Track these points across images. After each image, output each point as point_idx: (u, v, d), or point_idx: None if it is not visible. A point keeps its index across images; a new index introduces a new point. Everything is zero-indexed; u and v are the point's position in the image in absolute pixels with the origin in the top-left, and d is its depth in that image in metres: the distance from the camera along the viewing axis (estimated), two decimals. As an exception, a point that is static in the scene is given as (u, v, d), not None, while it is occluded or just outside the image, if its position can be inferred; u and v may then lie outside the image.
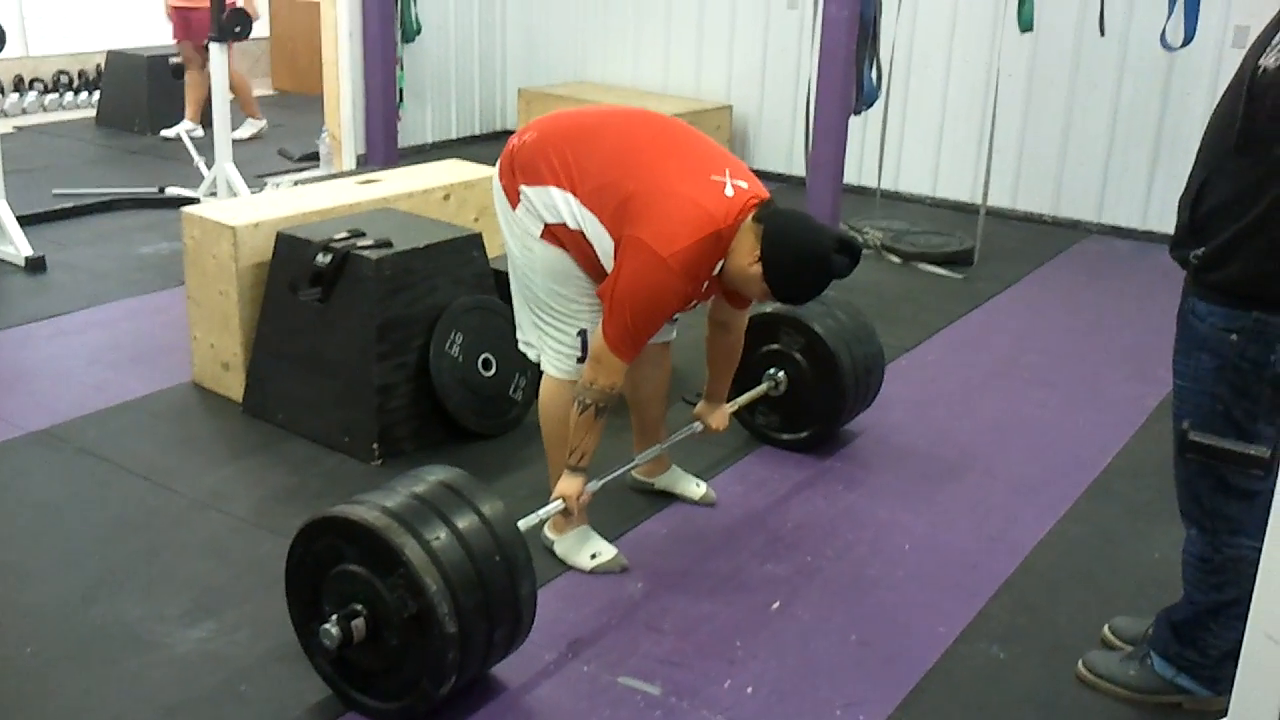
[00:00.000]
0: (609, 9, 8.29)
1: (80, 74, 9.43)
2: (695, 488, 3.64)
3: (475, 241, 4.06)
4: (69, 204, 6.48)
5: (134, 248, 5.91)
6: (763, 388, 3.84)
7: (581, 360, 3.10)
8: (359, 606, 2.53)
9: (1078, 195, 6.85)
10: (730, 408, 3.60)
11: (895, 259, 6.09)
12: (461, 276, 3.95)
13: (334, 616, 2.53)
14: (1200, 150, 2.51)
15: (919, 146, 7.27)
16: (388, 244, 3.81)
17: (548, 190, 3.02)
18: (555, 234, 3.04)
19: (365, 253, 3.75)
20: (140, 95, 8.50)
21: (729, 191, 2.93)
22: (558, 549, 3.28)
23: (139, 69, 8.55)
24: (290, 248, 3.93)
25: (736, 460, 3.91)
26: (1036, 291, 5.82)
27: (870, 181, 6.96)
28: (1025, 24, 5.81)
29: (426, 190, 4.67)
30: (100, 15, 9.23)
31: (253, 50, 10.56)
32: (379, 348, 3.74)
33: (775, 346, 3.86)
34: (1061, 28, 6.59)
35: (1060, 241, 6.60)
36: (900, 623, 3.08)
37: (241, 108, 8.15)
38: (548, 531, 3.30)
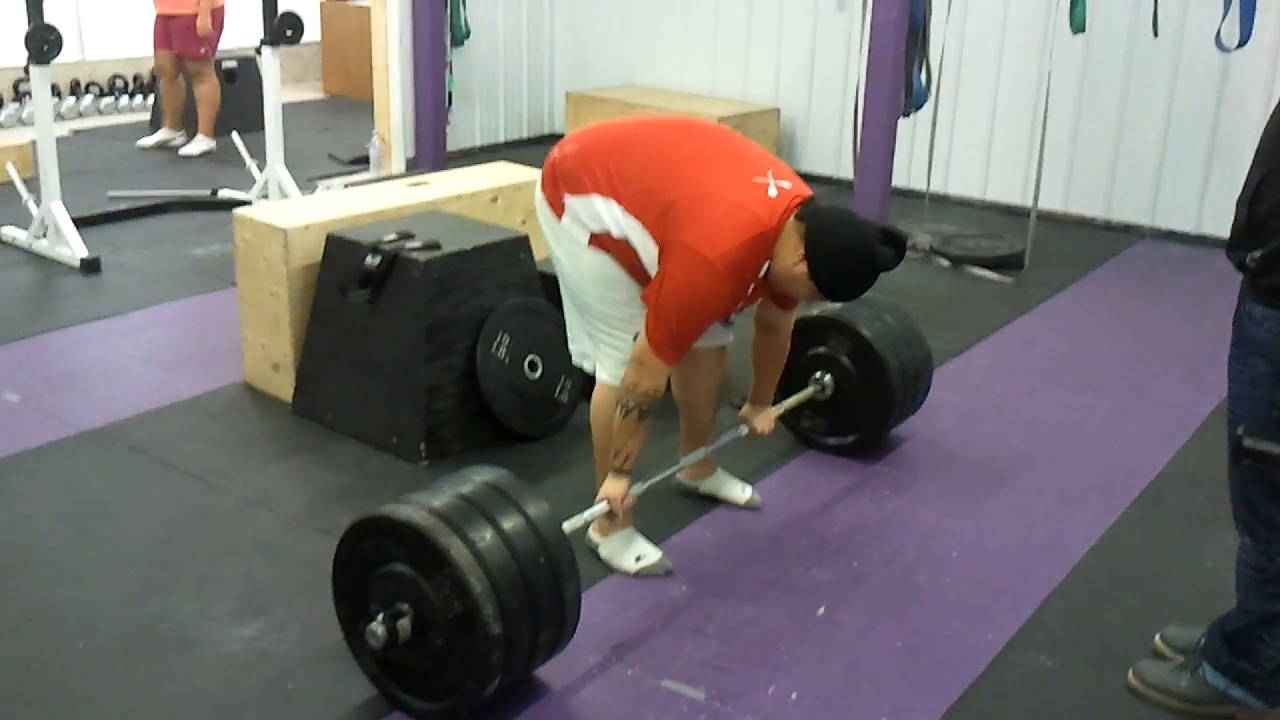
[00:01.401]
0: (656, 12, 8.29)
1: (135, 78, 9.56)
2: (741, 491, 3.63)
3: (522, 244, 4.08)
4: (123, 206, 6.57)
5: (187, 249, 5.99)
6: (809, 391, 3.82)
7: None
8: (404, 606, 2.54)
9: (1130, 198, 6.77)
10: (776, 411, 3.59)
11: (944, 262, 6.05)
12: (509, 279, 3.97)
13: (380, 616, 2.54)
14: (1258, 150, 2.47)
15: (969, 149, 7.21)
16: (436, 246, 3.83)
17: (590, 199, 3.02)
18: (601, 242, 3.05)
19: (414, 255, 3.77)
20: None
21: (772, 192, 2.93)
22: (602, 551, 3.28)
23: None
24: (340, 249, 3.96)
25: (782, 464, 3.90)
26: (1088, 296, 5.75)
27: (919, 184, 6.91)
28: (1078, 25, 5.75)
29: (474, 193, 4.69)
30: (151, 20, 9.34)
31: (304, 54, 10.68)
32: (427, 349, 3.76)
33: (822, 350, 3.84)
34: (1114, 28, 6.51)
35: (1113, 245, 6.52)
36: (947, 630, 3.06)
37: (200, 121, 8.08)
38: (593, 534, 3.30)
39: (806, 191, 2.99)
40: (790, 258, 2.89)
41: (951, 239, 6.25)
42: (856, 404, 3.84)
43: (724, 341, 3.41)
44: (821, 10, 7.58)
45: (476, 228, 4.16)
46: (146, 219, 6.49)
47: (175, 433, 4.02)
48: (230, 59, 8.80)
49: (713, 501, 3.63)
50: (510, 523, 2.58)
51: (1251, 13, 5.30)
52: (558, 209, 3.11)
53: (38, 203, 5.77)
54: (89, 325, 4.96)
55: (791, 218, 2.90)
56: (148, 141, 8.17)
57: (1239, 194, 2.49)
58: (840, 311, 3.83)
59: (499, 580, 2.47)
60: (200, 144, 8.08)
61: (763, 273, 2.96)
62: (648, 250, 2.97)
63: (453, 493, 2.62)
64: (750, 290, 3.00)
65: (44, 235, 5.77)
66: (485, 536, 2.51)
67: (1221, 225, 6.29)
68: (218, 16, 7.77)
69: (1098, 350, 5.04)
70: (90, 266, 5.57)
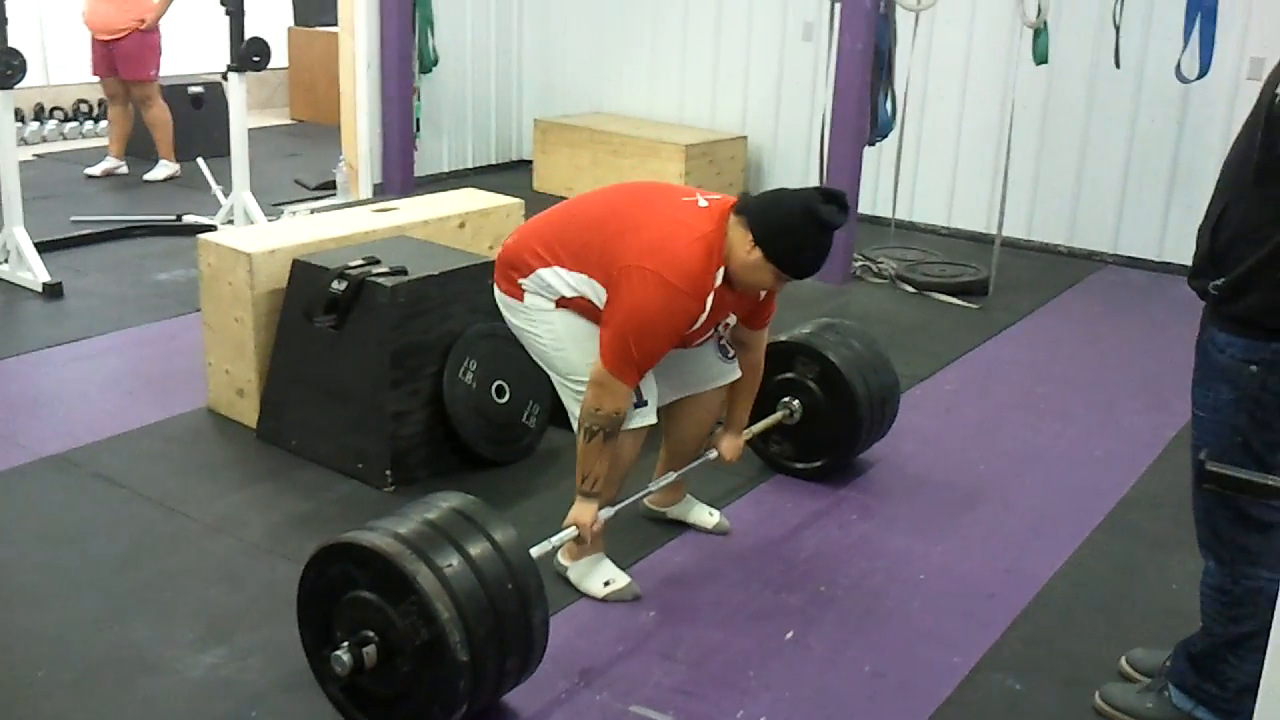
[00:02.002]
0: (625, 40, 8.33)
1: (100, 102, 9.47)
2: (708, 516, 3.63)
3: (490, 269, 4.02)
4: (87, 230, 6.51)
5: (151, 274, 5.94)
6: (777, 416, 3.83)
7: (639, 404, 3.09)
8: (370, 633, 2.52)
9: (1093, 226, 6.84)
10: (745, 435, 3.59)
11: (910, 289, 6.09)
12: (476, 304, 3.96)
13: (345, 643, 2.52)
14: (1219, 180, 2.50)
15: (934, 177, 7.27)
16: (403, 271, 3.82)
17: (538, 274, 3.08)
18: (564, 303, 3.09)
19: (380, 280, 3.76)
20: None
21: (703, 203, 3.01)
22: (571, 575, 3.27)
23: (158, 98, 8.60)
24: (305, 275, 3.94)
25: (750, 489, 3.90)
26: (1052, 322, 5.81)
27: (885, 211, 6.96)
28: (1040, 57, 5.82)
29: (442, 218, 4.68)
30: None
31: (271, 80, 10.65)
32: (393, 374, 3.74)
33: (790, 375, 3.86)
34: (1077, 60, 6.60)
35: (1076, 272, 6.59)
36: (915, 653, 3.06)
37: (158, 148, 7.99)
38: (561, 558, 3.29)
39: (734, 198, 3.03)
40: (742, 248, 2.91)
41: (917, 265, 6.30)
42: (824, 429, 3.85)
43: (729, 376, 3.38)
44: (788, 40, 7.64)
45: (443, 253, 4.16)
46: (110, 244, 6.44)
47: (138, 458, 3.98)
48: (196, 84, 8.78)
49: (681, 526, 3.62)
50: (477, 549, 2.56)
51: (1210, 44, 5.38)
52: (518, 294, 3.15)
53: (0, 227, 5.71)
54: (51, 350, 4.91)
55: (731, 216, 2.94)
56: (94, 170, 8.04)
57: (1200, 224, 2.52)
58: (808, 337, 3.85)
59: (466, 607, 2.46)
60: (164, 169, 8.01)
61: (718, 280, 2.96)
62: (602, 298, 3.00)
63: (419, 518, 2.61)
64: (710, 306, 2.97)
65: (6, 260, 5.71)
66: (452, 563, 2.50)
67: (1183, 252, 6.32)
68: (154, 40, 7.67)
69: (1062, 375, 5.08)
70: (53, 291, 5.52)
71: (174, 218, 6.79)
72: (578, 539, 3.10)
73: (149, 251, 6.32)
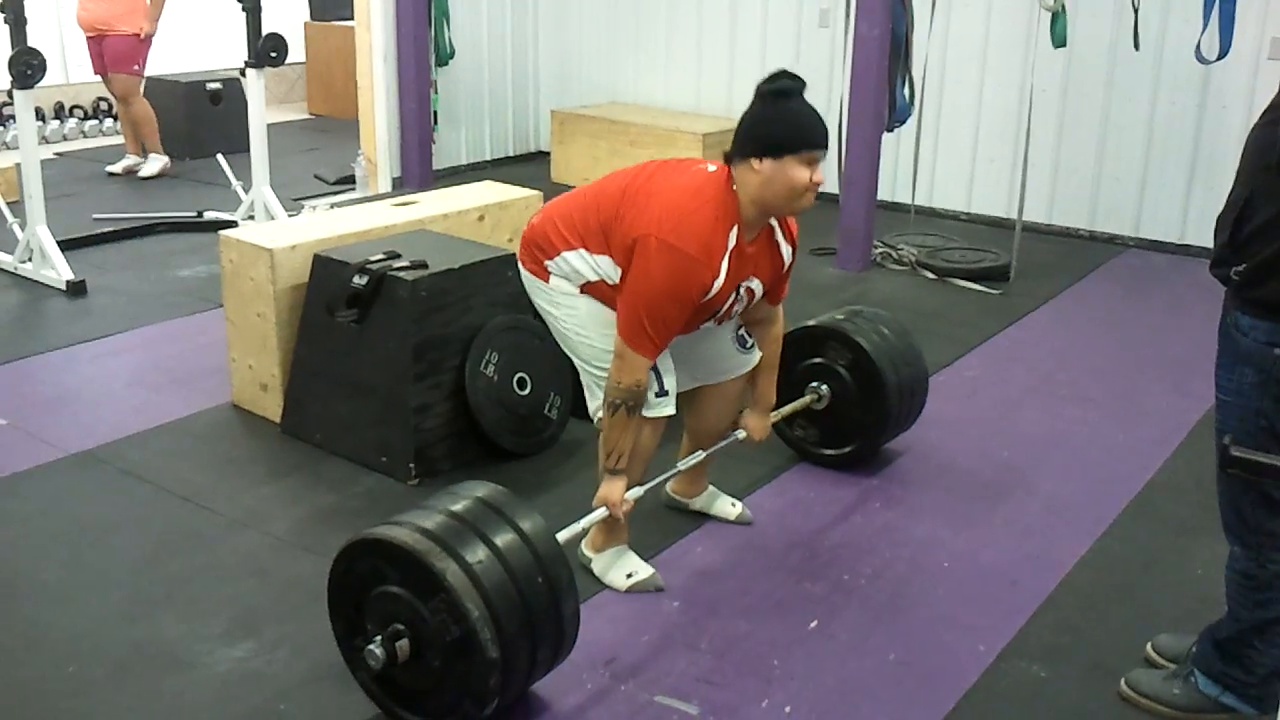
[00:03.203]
0: (641, 30, 8.32)
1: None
2: (731, 507, 3.63)
3: (509, 262, 4.06)
4: (109, 228, 6.56)
5: (173, 271, 5.98)
6: (805, 400, 3.82)
7: (659, 394, 3.10)
8: (401, 627, 2.53)
9: (1114, 209, 6.81)
10: (774, 417, 3.58)
11: (930, 275, 6.07)
12: (496, 297, 3.97)
13: (378, 638, 2.53)
14: (1240, 168, 2.48)
15: (953, 162, 7.25)
16: (423, 265, 3.83)
17: (563, 257, 3.08)
18: (588, 288, 3.09)
19: (401, 274, 3.77)
20: (178, 121, 8.60)
21: (711, 168, 3.02)
22: (595, 567, 3.28)
23: (177, 95, 8.66)
24: (327, 270, 3.96)
25: (773, 479, 3.90)
26: (1074, 307, 5.78)
27: (904, 198, 6.94)
28: (1059, 40, 5.79)
29: (461, 212, 4.69)
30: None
31: (288, 75, 10.69)
32: (415, 368, 3.76)
33: (819, 360, 3.83)
34: (1095, 43, 6.56)
35: (1097, 256, 6.56)
36: (940, 641, 3.06)
37: (145, 143, 7.99)
38: (585, 549, 3.30)
39: None
40: (754, 178, 2.89)
41: (937, 252, 6.28)
42: (852, 416, 3.84)
43: (747, 366, 3.36)
44: (804, 26, 7.61)
45: (464, 246, 4.17)
46: (132, 241, 6.48)
47: (163, 454, 4.01)
48: (214, 80, 8.82)
49: (704, 517, 3.63)
50: (505, 540, 2.56)
51: (1230, 24, 5.34)
52: (543, 275, 3.16)
53: (23, 226, 5.76)
54: (76, 348, 4.95)
55: (730, 170, 2.95)
56: (115, 168, 8.08)
57: (1220, 213, 2.50)
58: (840, 323, 3.83)
59: (496, 603, 2.46)
60: (155, 163, 7.99)
61: (732, 240, 2.92)
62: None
63: (445, 511, 2.61)
64: (725, 271, 2.93)
65: (29, 259, 5.75)
66: (481, 557, 2.49)
67: (1204, 235, 6.32)
68: (146, 43, 7.67)
69: (1084, 361, 5.06)
70: (76, 289, 5.56)
71: (195, 214, 6.82)
72: (608, 519, 3.09)
73: (171, 248, 6.36)
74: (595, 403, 3.18)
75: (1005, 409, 4.55)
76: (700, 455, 3.46)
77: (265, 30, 6.45)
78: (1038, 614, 3.18)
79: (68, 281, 5.56)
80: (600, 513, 3.06)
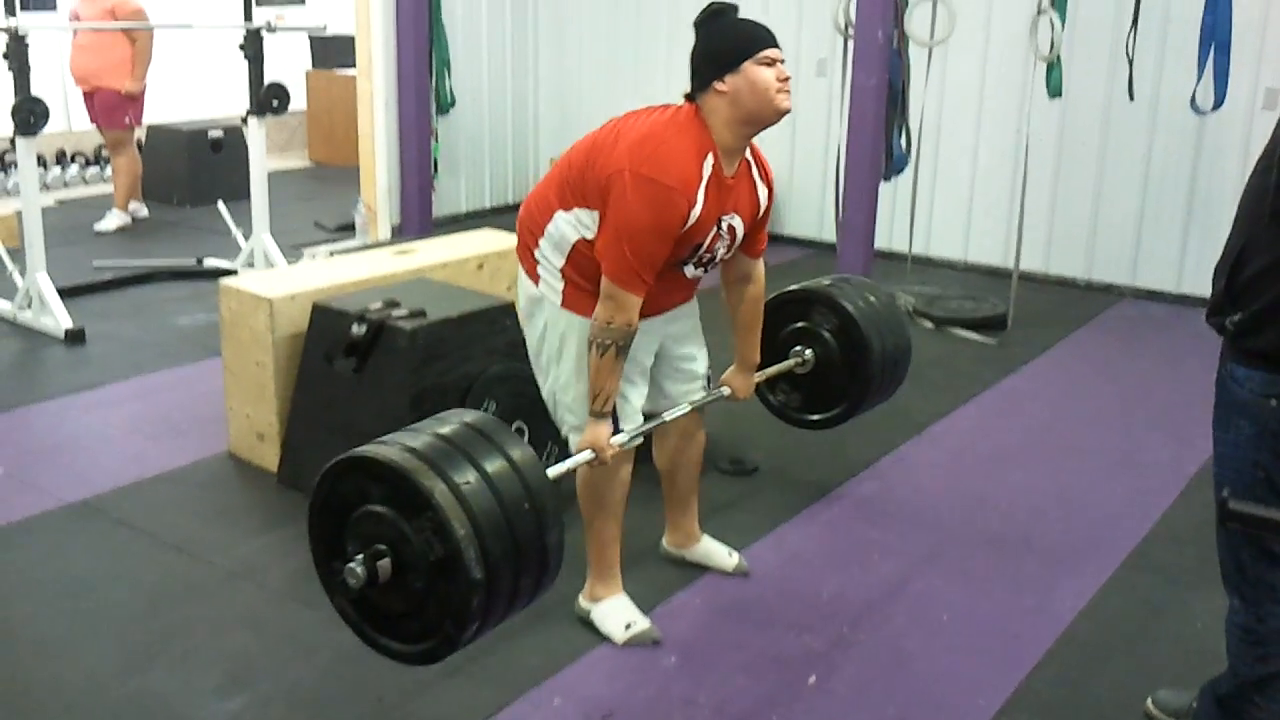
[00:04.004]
0: (640, 79, 8.39)
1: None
2: (728, 557, 3.61)
3: (508, 310, 4.08)
4: (109, 276, 6.57)
5: (172, 319, 5.99)
6: (790, 362, 3.75)
7: (616, 431, 3.08)
8: (384, 547, 2.45)
9: (1111, 259, 6.83)
10: (758, 377, 3.53)
11: (928, 324, 6.08)
12: (494, 345, 3.97)
13: (359, 556, 2.45)
14: (1237, 218, 2.49)
15: (950, 211, 7.28)
16: (422, 314, 3.84)
17: (551, 223, 3.04)
18: (572, 281, 3.03)
19: (400, 323, 3.78)
20: (180, 169, 8.67)
21: (678, 103, 3.06)
22: (592, 617, 3.26)
23: (179, 143, 8.73)
24: (325, 319, 3.97)
25: (770, 530, 3.89)
26: (1071, 356, 5.79)
27: (901, 247, 6.97)
28: (1054, 90, 5.84)
29: (460, 260, 4.71)
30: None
31: (289, 123, 10.76)
32: (413, 417, 3.73)
33: (804, 325, 3.78)
34: (1090, 92, 6.61)
35: (1094, 305, 6.57)
36: (939, 696, 3.04)
37: (116, 194, 7.90)
38: (582, 600, 3.28)
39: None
40: (722, 100, 2.92)
41: (934, 300, 6.29)
42: (835, 382, 3.76)
43: (694, 396, 3.34)
44: (802, 75, 7.67)
45: (462, 295, 4.17)
46: (132, 288, 6.50)
47: (159, 505, 3.99)
48: (216, 128, 8.87)
49: (701, 569, 3.61)
50: (494, 466, 2.48)
51: (1224, 76, 5.39)
52: (532, 272, 3.12)
53: (23, 273, 5.77)
54: (73, 396, 4.94)
55: (697, 103, 2.99)
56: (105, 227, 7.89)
57: (1217, 262, 2.51)
58: (827, 288, 3.79)
59: (482, 525, 2.38)
60: (115, 219, 7.89)
61: (707, 169, 2.91)
62: None
63: (433, 433, 2.54)
64: (702, 200, 2.90)
65: (29, 306, 5.76)
66: (469, 480, 2.42)
67: (1201, 284, 6.31)
68: (134, 99, 7.66)
69: (1082, 410, 5.06)
70: (75, 337, 5.56)
71: (195, 261, 6.84)
72: (597, 462, 3.01)
73: (170, 296, 6.37)
74: (565, 428, 3.17)
75: (1003, 460, 4.54)
76: (683, 409, 3.33)
77: (267, 79, 6.50)
78: (1037, 668, 3.16)
79: (66, 329, 5.57)
80: (586, 454, 2.97)
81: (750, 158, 3.09)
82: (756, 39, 2.94)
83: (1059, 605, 3.47)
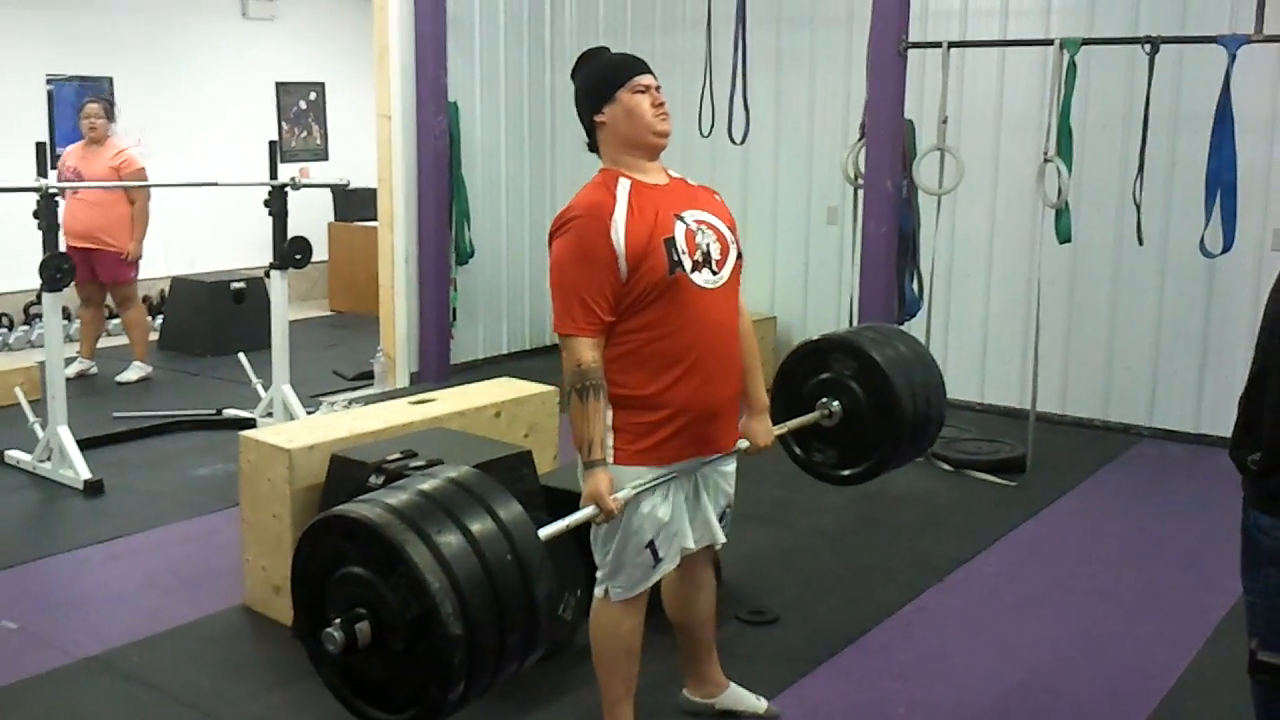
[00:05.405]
0: (654, 227, 8.51)
1: (144, 299, 9.77)
2: (757, 701, 3.53)
3: (525, 459, 4.10)
4: (128, 426, 6.62)
5: (191, 469, 6.00)
6: (815, 415, 3.59)
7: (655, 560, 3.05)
8: (363, 610, 2.37)
9: (1127, 399, 6.83)
10: (779, 429, 3.45)
11: (946, 466, 6.05)
12: (513, 494, 3.96)
13: (337, 620, 2.36)
14: (1256, 346, 2.49)
15: (964, 354, 7.31)
16: (439, 464, 3.85)
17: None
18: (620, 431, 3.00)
19: (415, 473, 3.78)
20: (202, 319, 8.80)
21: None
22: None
23: (201, 294, 8.88)
24: (344, 469, 3.98)
25: (794, 682, 3.81)
26: (1092, 498, 5.74)
27: (917, 389, 6.97)
28: (1063, 235, 5.90)
29: (477, 408, 4.74)
30: (163, 243, 9.58)
31: (311, 273, 10.93)
32: (429, 569, 3.72)
33: (827, 375, 3.63)
34: (1100, 237, 6.69)
35: (1113, 446, 6.54)
36: None
37: (134, 349, 7.95)
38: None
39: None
40: (605, 134, 3.03)
41: (952, 443, 6.27)
42: (866, 430, 3.59)
43: (710, 542, 3.25)
44: (813, 223, 7.81)
45: (479, 444, 4.19)
46: (151, 439, 6.53)
47: (173, 660, 3.95)
48: (238, 280, 9.04)
49: (731, 716, 3.52)
50: (474, 519, 2.41)
51: (1232, 220, 5.44)
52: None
53: (44, 425, 5.81)
54: (90, 549, 4.93)
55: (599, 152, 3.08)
56: (69, 372, 7.45)
57: (1241, 393, 2.49)
58: (846, 335, 3.74)
59: (459, 576, 2.29)
60: (136, 370, 7.92)
61: (620, 192, 2.95)
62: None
63: (413, 489, 2.48)
64: (626, 208, 2.93)
65: (48, 458, 5.79)
66: (444, 530, 2.35)
67: (1219, 423, 6.33)
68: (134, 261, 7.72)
69: (1106, 553, 4.99)
70: (94, 489, 5.58)
71: (214, 412, 6.90)
72: (603, 518, 2.89)
73: (189, 446, 6.40)
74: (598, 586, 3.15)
75: (1026, 606, 4.47)
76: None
77: (291, 232, 6.64)
78: (1071, 825, 3.06)
79: (85, 481, 5.59)
80: (589, 510, 2.85)
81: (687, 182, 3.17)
82: (627, 67, 3.03)
83: (1090, 758, 3.38)
